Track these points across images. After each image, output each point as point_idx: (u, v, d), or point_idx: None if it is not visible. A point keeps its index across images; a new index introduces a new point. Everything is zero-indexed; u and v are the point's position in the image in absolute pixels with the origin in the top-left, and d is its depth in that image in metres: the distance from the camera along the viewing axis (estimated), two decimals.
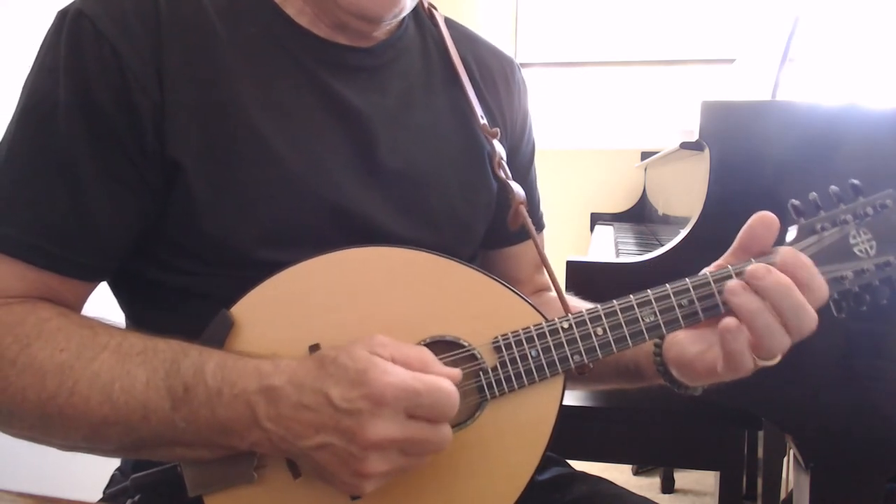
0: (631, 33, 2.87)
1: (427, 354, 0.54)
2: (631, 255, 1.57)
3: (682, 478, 2.26)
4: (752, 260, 0.59)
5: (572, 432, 1.27)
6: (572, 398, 1.31)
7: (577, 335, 0.60)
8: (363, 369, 0.50)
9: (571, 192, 2.84)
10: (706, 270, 0.61)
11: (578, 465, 0.83)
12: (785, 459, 1.65)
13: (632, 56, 2.88)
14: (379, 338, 0.53)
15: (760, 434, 1.83)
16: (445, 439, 0.53)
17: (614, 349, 0.60)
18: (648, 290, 0.60)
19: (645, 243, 1.87)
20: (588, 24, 2.91)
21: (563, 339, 0.60)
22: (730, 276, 0.59)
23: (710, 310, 0.59)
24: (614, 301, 0.60)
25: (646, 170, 2.54)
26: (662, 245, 1.04)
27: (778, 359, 0.57)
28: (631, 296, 0.60)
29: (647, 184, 2.56)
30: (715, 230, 0.97)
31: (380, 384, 0.50)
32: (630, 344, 0.60)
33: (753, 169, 0.95)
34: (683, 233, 1.00)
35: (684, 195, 1.41)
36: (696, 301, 0.59)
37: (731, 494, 1.42)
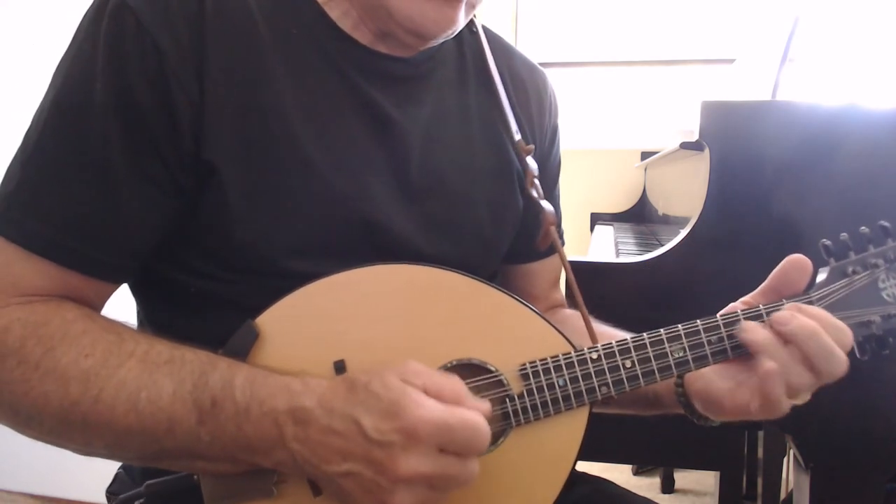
0: (631, 33, 2.87)
1: (460, 386, 0.53)
2: (631, 255, 1.57)
3: (682, 478, 2.26)
4: (784, 301, 0.60)
5: None
6: None
7: (605, 366, 0.59)
8: (396, 400, 0.49)
9: (571, 192, 2.81)
10: (737, 307, 0.61)
11: (579, 465, 0.83)
12: (785, 459, 1.65)
13: (632, 56, 2.88)
14: (412, 365, 0.52)
15: (760, 434, 1.83)
16: (473, 475, 0.52)
17: (642, 383, 0.59)
18: (679, 325, 0.60)
19: (645, 243, 1.87)
20: (588, 24, 2.91)
21: (592, 370, 0.59)
22: (760, 315, 0.59)
23: (738, 347, 0.59)
24: (644, 334, 0.60)
25: (646, 170, 2.54)
26: (662, 245, 1.04)
27: (807, 397, 0.58)
28: (661, 329, 0.60)
29: (647, 184, 2.56)
30: (715, 230, 0.97)
31: (413, 418, 0.49)
32: (658, 378, 0.59)
33: (753, 169, 0.95)
34: (683, 233, 1.00)
35: (684, 195, 1.41)
36: (725, 339, 0.59)
37: (731, 494, 1.43)
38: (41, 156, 0.56)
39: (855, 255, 0.61)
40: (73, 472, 1.94)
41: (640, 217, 2.63)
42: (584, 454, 0.61)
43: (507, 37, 3.29)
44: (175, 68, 0.56)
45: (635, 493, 0.75)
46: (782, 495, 1.68)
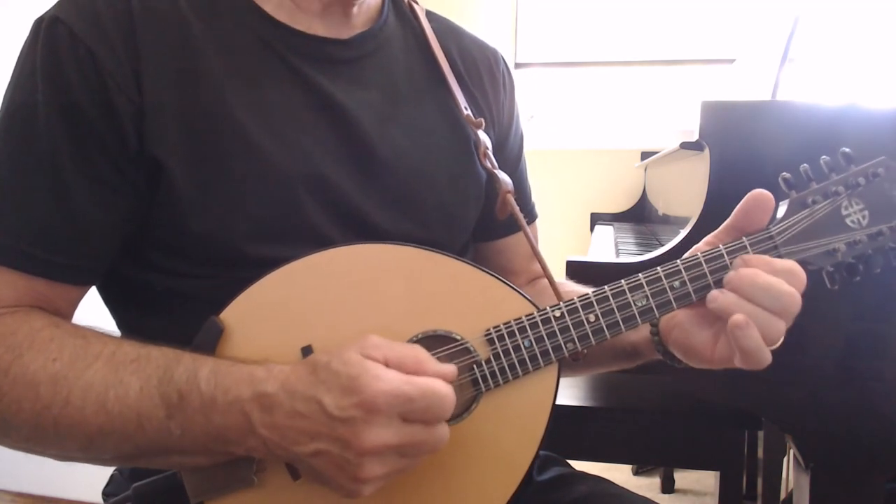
0: (631, 33, 2.87)
1: (421, 353, 0.54)
2: (631, 255, 1.57)
3: (682, 478, 2.26)
4: (744, 238, 0.59)
5: (572, 432, 1.27)
6: (572, 398, 1.31)
7: (569, 323, 0.60)
8: (355, 375, 0.50)
9: (571, 192, 2.83)
10: (697, 250, 0.61)
11: (578, 465, 0.83)
12: (785, 459, 1.65)
13: (632, 56, 2.88)
14: (372, 339, 0.53)
15: (760, 434, 1.83)
16: (442, 439, 0.53)
17: (607, 335, 0.60)
18: (640, 274, 0.60)
19: (645, 243, 1.87)
20: (588, 24, 2.90)
21: (556, 328, 0.60)
22: (721, 256, 0.59)
23: (701, 290, 0.59)
24: (605, 287, 0.60)
25: (646, 170, 2.54)
26: (662, 245, 1.04)
27: (779, 342, 0.56)
28: (622, 280, 0.60)
29: (647, 184, 2.56)
30: (715, 230, 0.97)
31: (371, 391, 0.49)
32: (623, 329, 0.60)
33: (753, 169, 0.95)
34: (683, 233, 0.99)
35: (684, 195, 1.41)
36: (687, 283, 0.59)
37: (731, 494, 1.42)
38: None
39: (816, 185, 0.59)
40: (72, 472, 1.94)
41: (640, 217, 2.62)
42: (583, 454, 0.61)
43: (507, 37, 3.27)
44: (111, 71, 0.57)
45: (635, 493, 0.74)
46: (782, 495, 1.68)
